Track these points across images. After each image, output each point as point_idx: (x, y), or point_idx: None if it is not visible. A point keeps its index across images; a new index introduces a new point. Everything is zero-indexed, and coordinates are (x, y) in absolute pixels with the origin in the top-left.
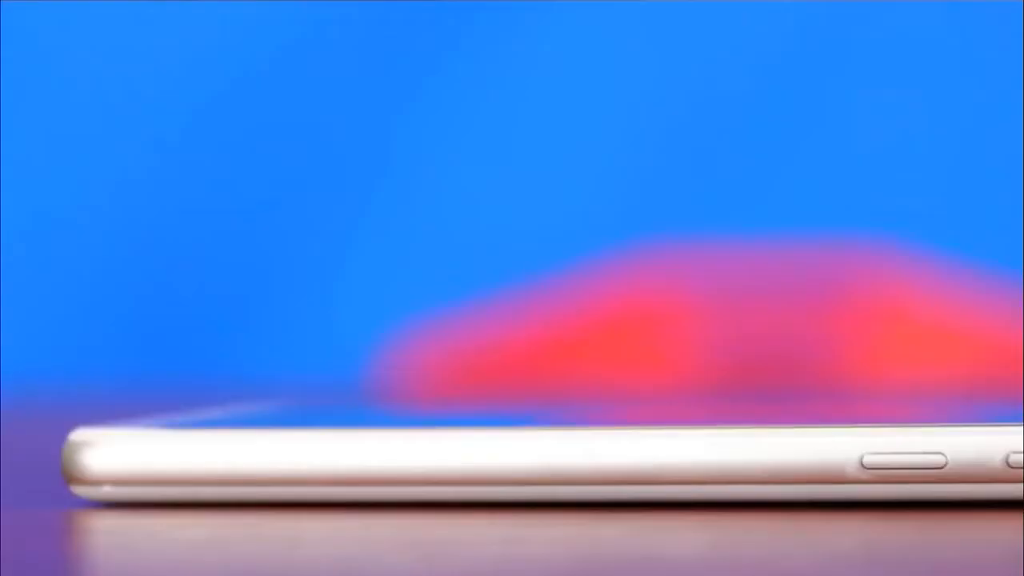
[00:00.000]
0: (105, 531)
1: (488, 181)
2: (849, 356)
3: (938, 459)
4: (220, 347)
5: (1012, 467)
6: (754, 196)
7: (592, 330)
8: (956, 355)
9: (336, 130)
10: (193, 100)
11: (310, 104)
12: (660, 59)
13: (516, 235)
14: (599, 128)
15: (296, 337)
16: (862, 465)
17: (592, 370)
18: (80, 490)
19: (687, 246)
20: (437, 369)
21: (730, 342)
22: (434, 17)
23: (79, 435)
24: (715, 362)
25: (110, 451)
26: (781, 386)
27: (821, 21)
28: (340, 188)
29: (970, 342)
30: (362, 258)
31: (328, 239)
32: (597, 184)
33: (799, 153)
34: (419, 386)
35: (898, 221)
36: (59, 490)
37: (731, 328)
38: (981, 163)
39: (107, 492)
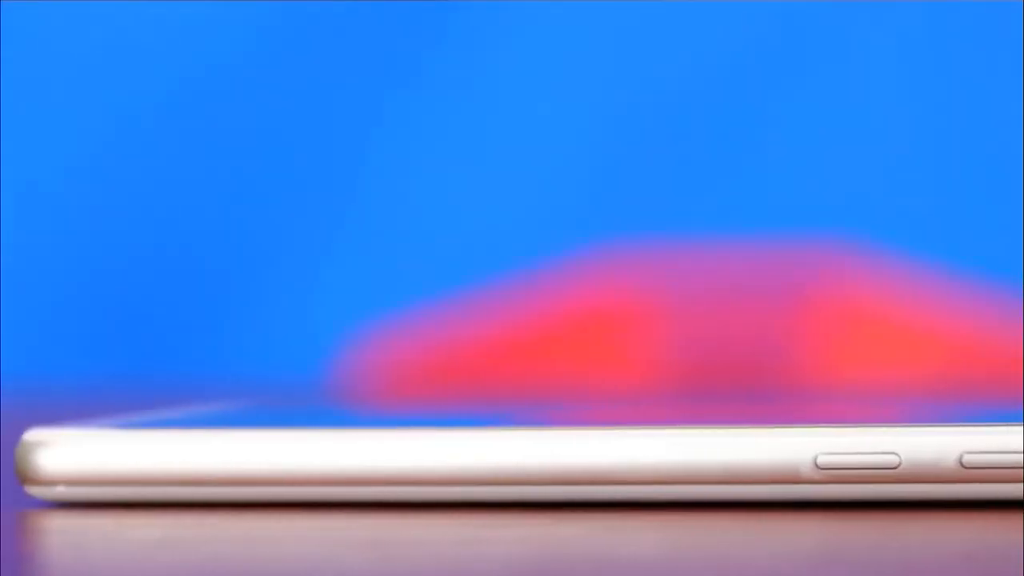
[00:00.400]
0: (59, 531)
1: (456, 181)
2: (814, 357)
3: (892, 459)
4: (188, 347)
5: (966, 467)
6: (719, 197)
7: (558, 330)
8: (919, 356)
9: (309, 131)
10: (172, 98)
11: (283, 105)
12: (629, 60)
13: (484, 235)
14: (566, 128)
15: (266, 336)
16: (816, 465)
17: (558, 370)
18: (34, 490)
19: (653, 246)
20: (405, 368)
21: (695, 343)
22: (408, 17)
23: (33, 435)
24: (680, 362)
25: (64, 451)
26: (745, 387)
27: (789, 21)
28: (310, 189)
29: (934, 342)
30: (331, 257)
31: (298, 239)
32: (565, 184)
33: (764, 154)
34: (387, 385)
35: (861, 222)
36: (13, 490)
37: (696, 329)
38: (946, 164)
39: (61, 492)
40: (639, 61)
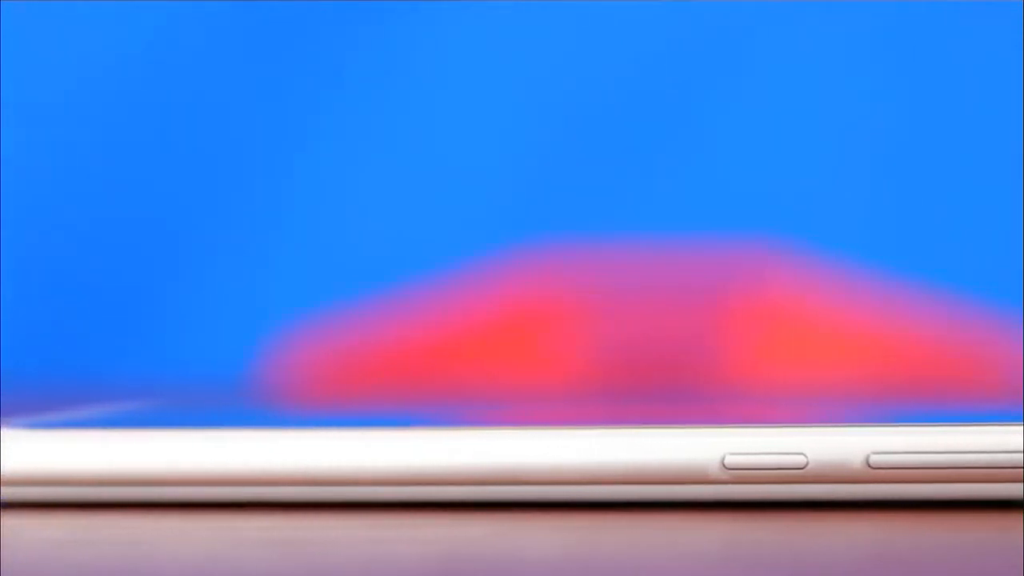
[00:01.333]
0: None
1: (378, 181)
2: (736, 358)
3: (799, 459)
4: (102, 345)
5: (873, 467)
6: (639, 198)
7: (478, 330)
8: (840, 356)
9: (229, 130)
10: (70, 98)
11: (203, 102)
12: (545, 60)
13: (406, 234)
14: (484, 128)
15: (184, 335)
16: (724, 465)
17: (478, 370)
18: None
19: (575, 247)
20: (325, 368)
21: (616, 343)
22: (331, 13)
23: None
24: (602, 363)
25: None
26: (666, 387)
27: (705, 20)
28: (229, 188)
29: (856, 343)
30: (252, 255)
31: (219, 236)
32: (483, 185)
33: (685, 155)
34: (308, 385)
35: (782, 223)
36: None
37: (617, 329)
38: (870, 164)
39: None
40: (561, 61)
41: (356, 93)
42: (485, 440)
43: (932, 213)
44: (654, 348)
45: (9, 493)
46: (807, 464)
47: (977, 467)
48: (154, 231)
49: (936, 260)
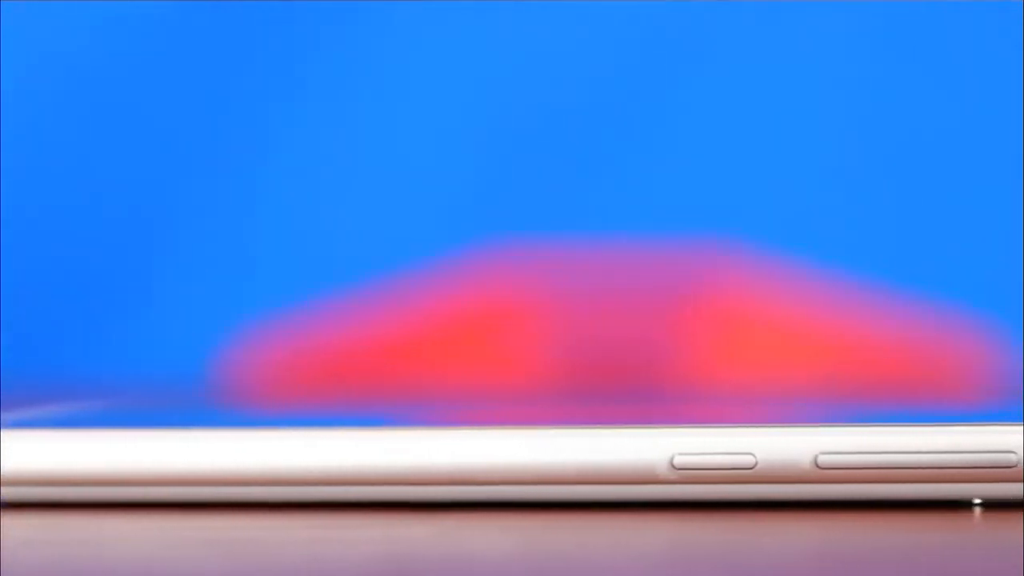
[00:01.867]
0: None
1: (336, 180)
2: (696, 358)
3: (748, 459)
4: (63, 343)
5: (821, 468)
6: (604, 197)
7: (438, 330)
8: (799, 357)
9: (186, 128)
10: (38, 99)
11: (160, 102)
12: (509, 58)
13: (366, 233)
14: (449, 127)
15: (142, 334)
16: (673, 466)
17: (438, 370)
18: None
19: (534, 246)
20: (283, 368)
21: (576, 343)
22: (283, 16)
23: None
24: (562, 363)
25: None
26: (625, 388)
27: (671, 18)
28: (186, 185)
29: (814, 344)
30: (210, 254)
31: (177, 235)
32: (447, 183)
33: (646, 154)
34: (266, 385)
35: (743, 223)
36: None
37: (577, 329)
38: (827, 165)
39: None
40: (519, 60)
41: (320, 92)
42: (432, 440)
43: (886, 213)
44: (606, 349)
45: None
46: (756, 464)
47: (926, 467)
48: (116, 230)
49: (890, 260)
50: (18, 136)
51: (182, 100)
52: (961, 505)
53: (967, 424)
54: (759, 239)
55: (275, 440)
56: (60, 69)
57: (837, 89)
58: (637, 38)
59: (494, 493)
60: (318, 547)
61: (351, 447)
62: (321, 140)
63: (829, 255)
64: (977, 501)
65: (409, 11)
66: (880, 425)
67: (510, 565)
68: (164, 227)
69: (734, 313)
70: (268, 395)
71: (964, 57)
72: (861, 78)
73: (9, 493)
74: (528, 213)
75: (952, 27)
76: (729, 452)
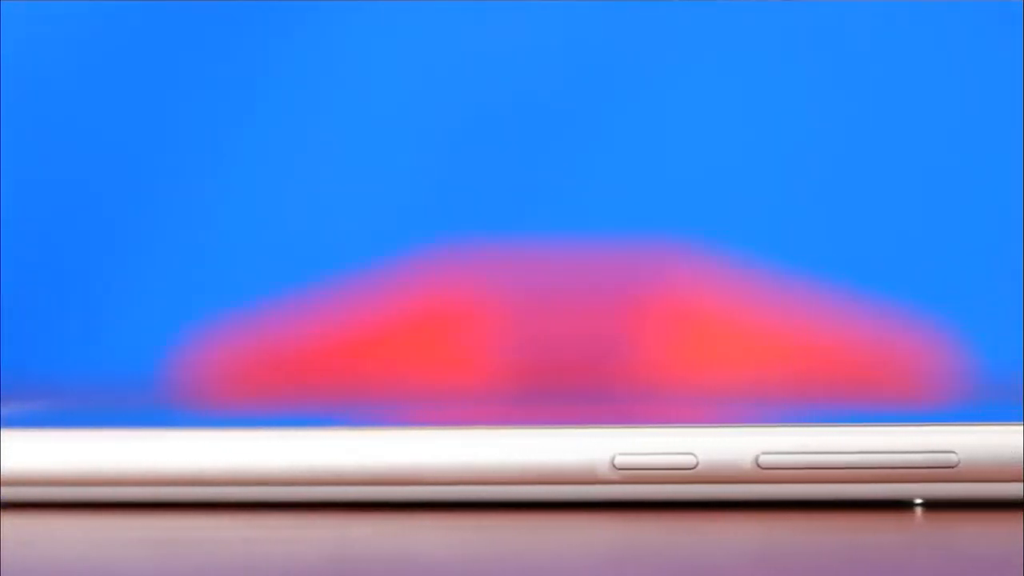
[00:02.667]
0: None
1: (293, 180)
2: (645, 358)
3: (689, 459)
4: (16, 342)
5: (762, 468)
6: (556, 198)
7: (393, 330)
8: (754, 357)
9: (145, 125)
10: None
11: (118, 98)
12: (465, 59)
13: (321, 233)
14: (403, 127)
15: (98, 333)
16: (614, 466)
17: (393, 371)
18: None
19: (490, 247)
20: (224, 368)
21: (530, 343)
22: (243, 16)
23: None
24: (516, 363)
25: None
26: (559, 388)
27: (627, 20)
28: (146, 182)
29: (769, 344)
30: (168, 252)
31: (136, 231)
32: (402, 183)
33: (601, 155)
34: (221, 384)
35: (697, 223)
36: None
37: (532, 329)
38: (785, 165)
39: None
40: (474, 62)
41: (268, 92)
42: (373, 440)
43: (835, 214)
44: (555, 349)
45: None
46: (697, 464)
47: (867, 467)
48: (70, 229)
49: (837, 261)
50: None
51: (139, 99)
52: (902, 505)
53: (908, 424)
54: (707, 239)
55: (216, 440)
56: (9, 64)
57: (794, 90)
58: (590, 39)
59: (436, 493)
60: (258, 547)
61: (290, 447)
62: (276, 140)
63: (775, 256)
64: (918, 501)
65: (369, 11)
66: (822, 425)
67: (452, 565)
68: (119, 226)
69: (682, 313)
70: (219, 395)
71: (940, 55)
72: (820, 77)
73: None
74: (480, 213)
75: (946, 26)
76: (670, 452)
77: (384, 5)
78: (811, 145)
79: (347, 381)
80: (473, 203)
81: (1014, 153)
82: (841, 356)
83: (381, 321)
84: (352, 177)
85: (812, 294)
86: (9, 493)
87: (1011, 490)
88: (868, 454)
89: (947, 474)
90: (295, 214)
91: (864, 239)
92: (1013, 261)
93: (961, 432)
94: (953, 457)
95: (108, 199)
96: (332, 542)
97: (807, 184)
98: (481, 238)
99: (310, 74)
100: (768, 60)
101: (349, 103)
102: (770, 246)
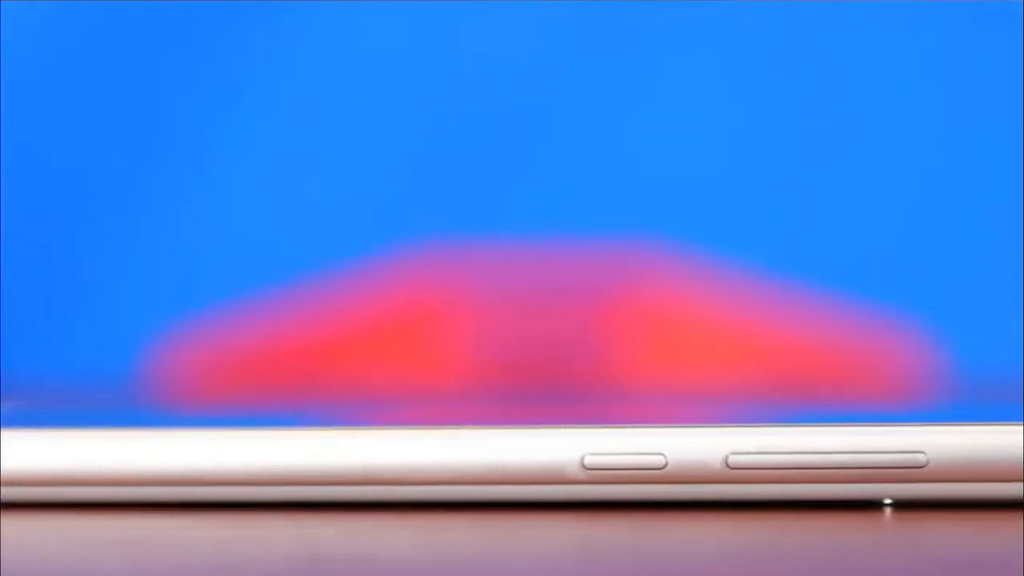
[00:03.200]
0: None
1: (267, 179)
2: (616, 359)
3: (658, 459)
4: None
5: (732, 468)
6: (533, 198)
7: (368, 330)
8: (726, 357)
9: (113, 121)
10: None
11: (87, 94)
12: (437, 59)
13: (295, 233)
14: (376, 127)
15: (67, 333)
16: (583, 466)
17: (362, 370)
18: None
19: (464, 246)
20: (195, 369)
21: (505, 343)
22: (193, 15)
23: None
24: (491, 363)
25: None
26: (529, 388)
27: (593, 20)
28: (114, 180)
29: (741, 345)
30: (139, 251)
31: (106, 230)
32: (375, 184)
33: (575, 155)
34: (193, 385)
35: (671, 224)
36: None
37: (507, 329)
38: (759, 165)
39: None
40: (448, 60)
41: (238, 92)
42: (343, 440)
43: (811, 214)
44: (525, 349)
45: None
46: (666, 464)
47: (836, 467)
48: (41, 227)
49: (806, 261)
50: None
51: (116, 98)
52: (871, 505)
53: (877, 425)
54: (677, 240)
55: (183, 440)
56: None
57: (758, 89)
58: (567, 39)
59: (404, 493)
60: (223, 547)
61: (257, 448)
62: (247, 139)
63: (746, 256)
64: (888, 501)
65: (350, 11)
66: (791, 425)
67: (420, 566)
68: (90, 225)
69: (651, 314)
70: (189, 395)
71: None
72: (795, 74)
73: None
74: (454, 213)
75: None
76: (639, 452)
77: (364, 5)
78: (783, 143)
79: (318, 381)
80: (448, 203)
81: (999, 155)
82: (810, 356)
83: (352, 321)
84: (328, 177)
85: (782, 295)
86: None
87: (979, 490)
88: (837, 454)
89: (916, 474)
90: (272, 214)
91: (831, 240)
92: (978, 258)
93: (930, 432)
94: (922, 457)
95: (85, 199)
96: (301, 542)
97: (777, 183)
98: (453, 238)
99: (285, 77)
100: (747, 57)
101: (323, 104)
102: (740, 247)
